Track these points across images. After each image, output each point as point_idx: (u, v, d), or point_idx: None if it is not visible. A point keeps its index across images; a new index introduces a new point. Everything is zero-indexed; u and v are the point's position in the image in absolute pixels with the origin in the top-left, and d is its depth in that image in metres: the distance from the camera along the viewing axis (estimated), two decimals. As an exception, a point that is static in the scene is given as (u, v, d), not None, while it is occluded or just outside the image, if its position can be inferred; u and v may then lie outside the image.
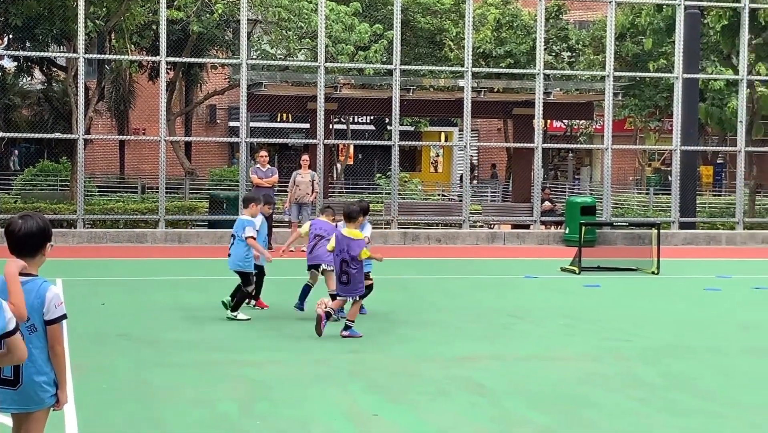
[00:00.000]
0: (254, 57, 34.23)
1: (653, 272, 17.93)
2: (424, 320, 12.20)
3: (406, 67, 26.94)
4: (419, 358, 9.75)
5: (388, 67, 25.80)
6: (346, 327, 10.86)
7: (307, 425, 7.18)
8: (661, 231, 20.36)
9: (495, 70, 31.09)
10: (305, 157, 21.75)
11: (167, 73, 26.39)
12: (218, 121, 49.56)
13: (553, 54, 37.98)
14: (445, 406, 7.81)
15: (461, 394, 8.20)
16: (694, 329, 11.81)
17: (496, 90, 29.74)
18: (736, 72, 27.88)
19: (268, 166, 21.46)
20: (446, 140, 49.41)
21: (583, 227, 19.26)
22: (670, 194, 27.57)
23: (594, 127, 44.92)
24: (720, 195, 43.02)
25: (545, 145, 27.98)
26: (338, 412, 7.56)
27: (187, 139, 35.93)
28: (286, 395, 8.09)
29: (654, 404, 7.99)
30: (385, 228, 24.69)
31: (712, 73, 32.84)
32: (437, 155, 52.88)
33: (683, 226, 25.77)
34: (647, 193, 39.08)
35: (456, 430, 7.13)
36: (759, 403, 8.07)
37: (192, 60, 30.58)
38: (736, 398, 8.24)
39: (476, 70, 27.17)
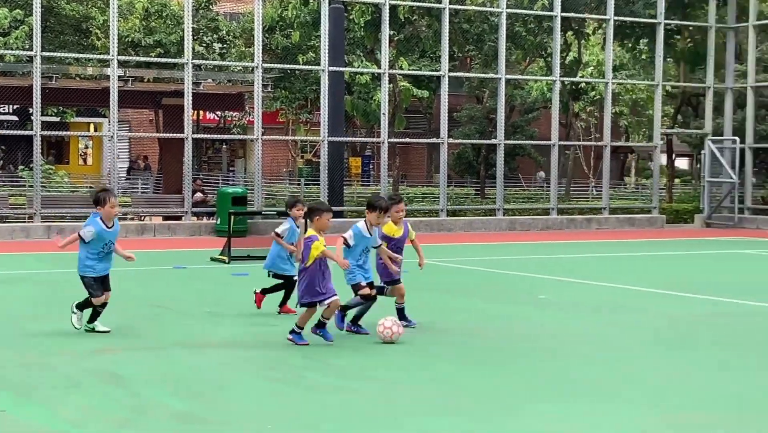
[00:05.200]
0: None
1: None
2: (64, 314, 11.76)
3: (48, 54, 25.85)
4: (51, 351, 9.38)
5: (29, 53, 24.68)
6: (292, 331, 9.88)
7: (-76, 428, 6.70)
8: (309, 219, 20.82)
9: (143, 59, 30.53)
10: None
11: None
12: None
13: (204, 45, 37.88)
14: (79, 398, 7.55)
15: (96, 386, 7.97)
16: (335, 312, 12.13)
17: (146, 80, 29.24)
18: (380, 66, 29.02)
19: None
20: (95, 131, 47.99)
21: (232, 217, 19.34)
22: (320, 185, 28.29)
23: (247, 119, 45.30)
24: (368, 185, 44.73)
25: (195, 136, 27.85)
26: (-39, 411, 7.12)
27: None
28: None
29: (292, 383, 8.15)
30: (28, 222, 23.65)
31: (358, 67, 33.98)
32: (86, 147, 51.24)
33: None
34: (299, 184, 39.93)
35: (89, 421, 6.91)
36: (387, 377, 8.44)
37: None
38: (369, 374, 8.57)
39: (123, 58, 26.58)
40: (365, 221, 10.34)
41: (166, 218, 26.32)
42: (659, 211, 31.01)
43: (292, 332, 9.78)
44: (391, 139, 28.84)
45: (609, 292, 14.76)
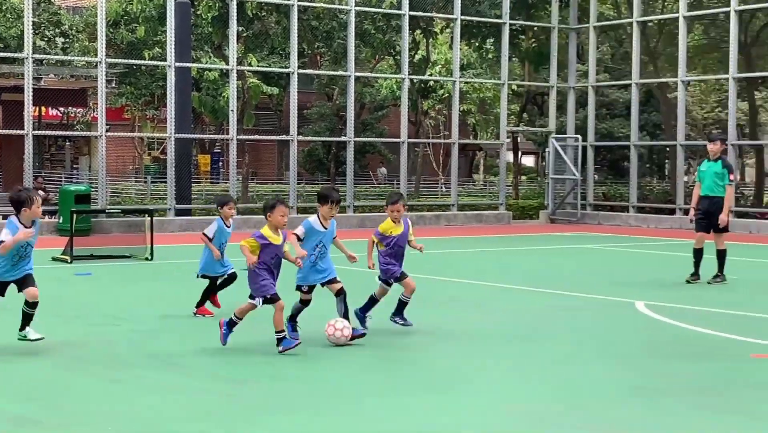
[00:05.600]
0: None
1: (147, 258, 17.98)
2: None
3: None
4: None
5: None
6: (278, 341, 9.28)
7: None
8: (159, 218, 20.51)
9: (-18, 53, 29.44)
10: None
11: None
12: None
13: (46, 39, 36.77)
14: None
15: (-74, 391, 7.63)
16: (179, 310, 11.94)
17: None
18: (228, 62, 28.71)
19: None
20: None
21: (75, 215, 18.86)
22: (167, 182, 27.85)
23: (92, 115, 44.22)
24: (217, 182, 44.28)
25: (36, 132, 26.99)
26: None
27: None
28: None
29: (134, 384, 7.99)
30: None
31: (205, 63, 33.54)
32: None
33: (180, 213, 26.12)
34: (146, 182, 39.22)
35: None
36: (232, 376, 8.34)
37: None
38: (214, 373, 8.45)
39: (-41, 52, 25.57)
40: (318, 214, 10.04)
41: (5, 217, 25.43)
42: (506, 208, 31.65)
43: (280, 340, 9.17)
44: (240, 137, 28.58)
45: (457, 287, 14.97)
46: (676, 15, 30.85)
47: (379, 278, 10.52)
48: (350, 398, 7.59)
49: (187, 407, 7.27)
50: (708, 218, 15.32)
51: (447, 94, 40.42)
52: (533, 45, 36.79)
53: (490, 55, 39.03)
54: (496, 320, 11.76)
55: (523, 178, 51.83)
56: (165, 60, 26.69)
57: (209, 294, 11.63)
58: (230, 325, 9.42)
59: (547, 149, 33.04)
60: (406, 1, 29.27)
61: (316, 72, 37.73)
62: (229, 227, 11.78)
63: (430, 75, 40.31)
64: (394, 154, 40.43)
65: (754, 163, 40.22)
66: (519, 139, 40.56)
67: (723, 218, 15.17)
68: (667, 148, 40.47)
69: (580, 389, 7.99)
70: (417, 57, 39.08)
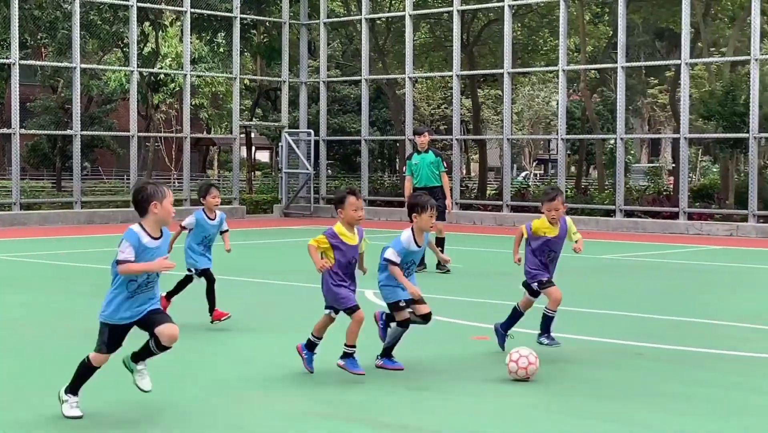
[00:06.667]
0: None
1: None
2: None
3: None
4: None
5: None
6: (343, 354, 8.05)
7: None
8: None
9: None
10: None
11: None
12: None
13: None
14: None
15: None
16: None
17: None
18: (-58, 51, 27.12)
19: None
20: None
21: None
22: None
23: None
24: (-67, 180, 41.76)
25: None
26: None
27: None
28: None
29: None
30: None
31: None
32: None
33: None
34: None
35: None
36: None
37: None
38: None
39: None
40: (411, 229, 8.34)
41: None
42: (240, 202, 31.57)
43: (344, 355, 8.02)
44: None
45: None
46: (402, 13, 31.78)
47: (523, 284, 9.08)
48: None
49: None
50: (428, 208, 15.83)
51: (178, 88, 39.85)
52: (265, 40, 36.86)
53: (221, 49, 38.79)
54: (238, 311, 11.68)
55: (258, 173, 51.89)
56: None
57: (210, 295, 10.42)
58: (310, 347, 8.14)
59: (280, 144, 33.20)
60: (134, -9, 28.61)
61: (40, 63, 36.26)
62: (213, 219, 10.56)
63: (160, 68, 39.62)
64: (124, 148, 39.49)
65: (478, 158, 42.02)
66: (252, 134, 40.55)
67: (448, 202, 15.86)
68: (397, 143, 41.61)
69: (315, 376, 8.06)
70: (146, 50, 38.32)
